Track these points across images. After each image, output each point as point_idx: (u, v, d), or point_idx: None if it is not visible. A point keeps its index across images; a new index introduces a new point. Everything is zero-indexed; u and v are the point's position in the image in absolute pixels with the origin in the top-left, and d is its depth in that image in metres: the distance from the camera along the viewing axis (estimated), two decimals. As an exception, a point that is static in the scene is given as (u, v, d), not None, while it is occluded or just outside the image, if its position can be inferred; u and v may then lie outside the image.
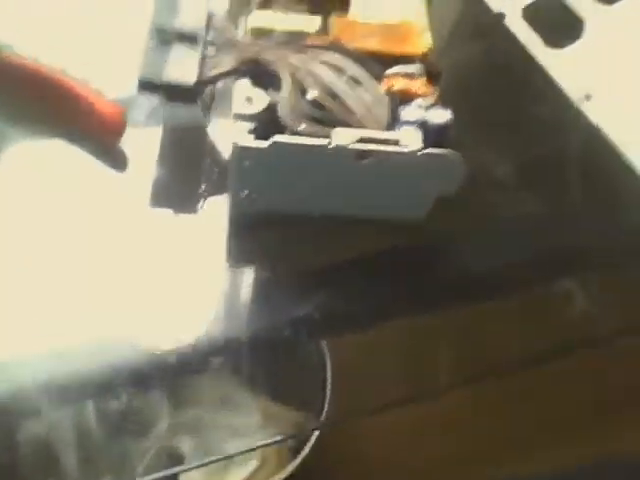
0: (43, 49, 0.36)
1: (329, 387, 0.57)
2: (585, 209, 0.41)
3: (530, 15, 0.49)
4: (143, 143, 0.40)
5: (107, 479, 0.50)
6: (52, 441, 0.33)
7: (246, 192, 0.36)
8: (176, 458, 0.55)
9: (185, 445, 0.56)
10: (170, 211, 0.39)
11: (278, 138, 0.33)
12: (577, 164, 0.44)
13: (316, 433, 0.60)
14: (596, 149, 0.44)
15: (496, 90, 0.47)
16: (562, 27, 0.49)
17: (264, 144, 0.33)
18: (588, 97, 0.46)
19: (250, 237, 0.38)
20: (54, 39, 0.40)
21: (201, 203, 0.39)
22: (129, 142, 0.39)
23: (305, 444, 0.61)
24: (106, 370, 0.33)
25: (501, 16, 0.51)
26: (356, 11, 0.41)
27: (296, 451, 0.61)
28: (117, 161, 0.39)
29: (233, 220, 0.38)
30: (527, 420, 0.76)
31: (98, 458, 0.39)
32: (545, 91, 0.46)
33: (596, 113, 0.45)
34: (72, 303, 0.35)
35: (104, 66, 0.39)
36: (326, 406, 0.59)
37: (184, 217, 0.39)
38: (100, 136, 0.37)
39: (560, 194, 0.41)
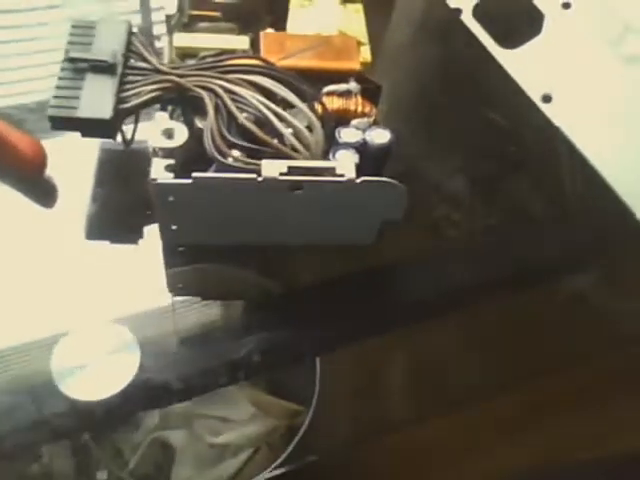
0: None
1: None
2: (544, 221, 0.39)
3: (485, 12, 0.47)
4: (75, 176, 0.38)
5: (102, 472, 0.49)
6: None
7: (175, 227, 0.33)
8: (167, 450, 0.54)
9: (176, 437, 0.55)
10: (107, 242, 0.38)
11: (199, 175, 0.31)
12: (537, 171, 0.41)
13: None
14: (556, 154, 0.42)
15: (452, 93, 0.44)
16: (521, 23, 0.46)
17: (185, 181, 0.31)
18: (548, 98, 0.43)
19: (188, 269, 0.36)
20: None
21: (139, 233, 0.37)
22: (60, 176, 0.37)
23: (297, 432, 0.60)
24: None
25: (458, 12, 0.48)
26: (294, 25, 0.39)
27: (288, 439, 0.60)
28: (44, 196, 0.37)
29: (167, 253, 0.36)
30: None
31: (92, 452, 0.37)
32: (503, 93, 0.44)
33: (556, 114, 0.43)
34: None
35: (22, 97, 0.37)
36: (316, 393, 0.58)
37: (121, 249, 0.37)
38: (21, 171, 0.35)
39: (515, 206, 0.39)
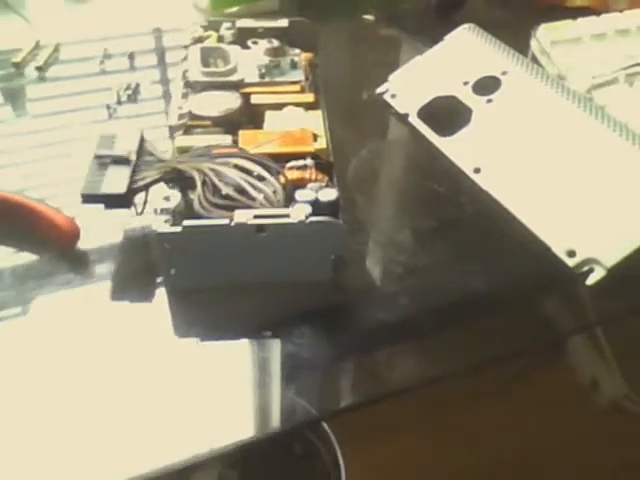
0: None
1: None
2: (474, 259, 0.48)
3: (426, 112, 0.59)
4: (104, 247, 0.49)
5: None
6: None
7: (173, 271, 0.44)
8: None
9: None
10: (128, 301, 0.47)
11: (187, 223, 0.41)
12: (471, 224, 0.51)
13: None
14: (487, 210, 0.51)
15: (401, 171, 0.56)
16: (454, 118, 0.58)
17: (177, 228, 0.41)
18: (478, 170, 0.54)
19: (187, 309, 0.45)
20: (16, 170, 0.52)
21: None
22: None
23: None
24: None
25: (406, 116, 0.60)
26: (268, 127, 0.52)
27: None
28: (77, 263, 0.47)
29: (171, 297, 0.45)
30: None
31: None
32: (442, 169, 0.55)
33: (485, 181, 0.53)
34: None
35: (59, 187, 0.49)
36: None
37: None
38: (58, 243, 0.47)
39: (453, 249, 0.48)
